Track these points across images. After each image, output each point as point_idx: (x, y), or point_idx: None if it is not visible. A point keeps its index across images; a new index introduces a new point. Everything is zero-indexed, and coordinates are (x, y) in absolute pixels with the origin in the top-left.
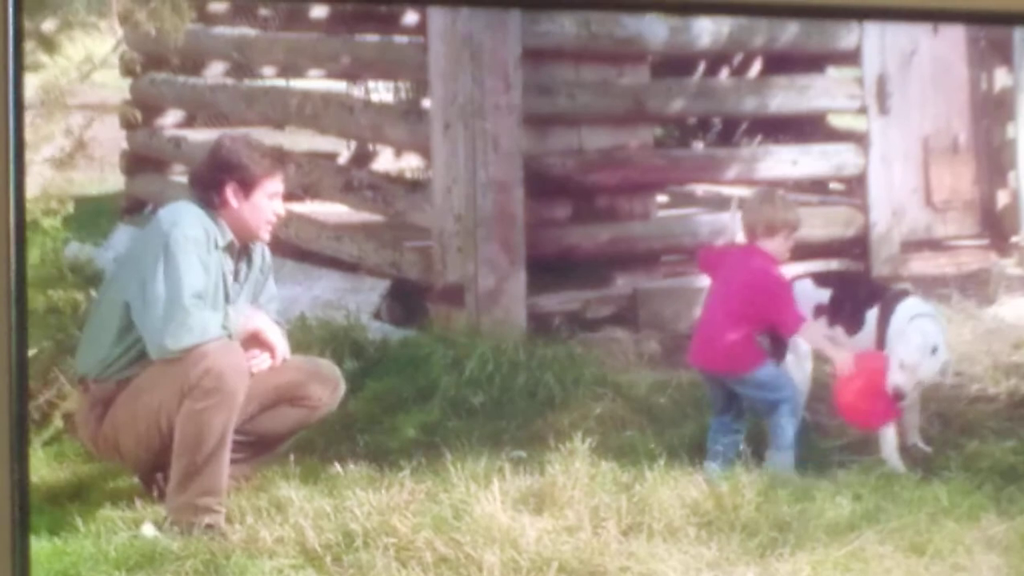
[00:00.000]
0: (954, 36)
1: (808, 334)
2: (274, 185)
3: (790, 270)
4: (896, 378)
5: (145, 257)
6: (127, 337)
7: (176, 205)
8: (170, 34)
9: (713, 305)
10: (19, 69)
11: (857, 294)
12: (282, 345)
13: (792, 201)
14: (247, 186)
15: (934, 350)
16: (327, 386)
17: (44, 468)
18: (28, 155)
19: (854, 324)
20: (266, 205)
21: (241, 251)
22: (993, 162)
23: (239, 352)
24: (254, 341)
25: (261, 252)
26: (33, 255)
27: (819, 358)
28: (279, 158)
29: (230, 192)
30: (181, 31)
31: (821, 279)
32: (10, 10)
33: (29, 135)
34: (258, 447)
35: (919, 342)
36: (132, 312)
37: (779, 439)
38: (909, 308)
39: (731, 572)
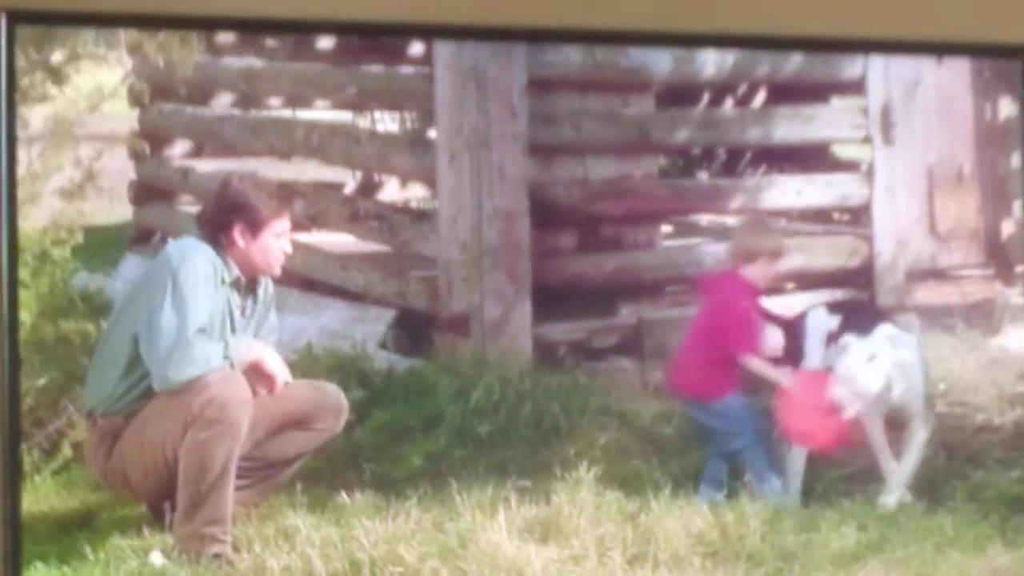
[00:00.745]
0: (958, 66)
1: (751, 363)
2: (282, 225)
3: (794, 300)
4: (836, 391)
5: (153, 290)
6: (135, 371)
7: (184, 241)
8: (179, 65)
9: (691, 330)
10: (11, 101)
11: (864, 321)
12: (282, 372)
13: (777, 229)
14: (255, 227)
15: (871, 359)
16: (332, 409)
17: (53, 497)
18: (38, 186)
19: None
20: (274, 244)
21: (248, 286)
22: (998, 192)
23: (242, 383)
24: (254, 371)
25: (265, 286)
26: (43, 285)
27: None
28: (287, 197)
29: (237, 233)
30: (190, 63)
31: (834, 307)
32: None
33: (38, 166)
34: (263, 472)
35: (856, 352)
36: (139, 344)
37: (755, 471)
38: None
39: None
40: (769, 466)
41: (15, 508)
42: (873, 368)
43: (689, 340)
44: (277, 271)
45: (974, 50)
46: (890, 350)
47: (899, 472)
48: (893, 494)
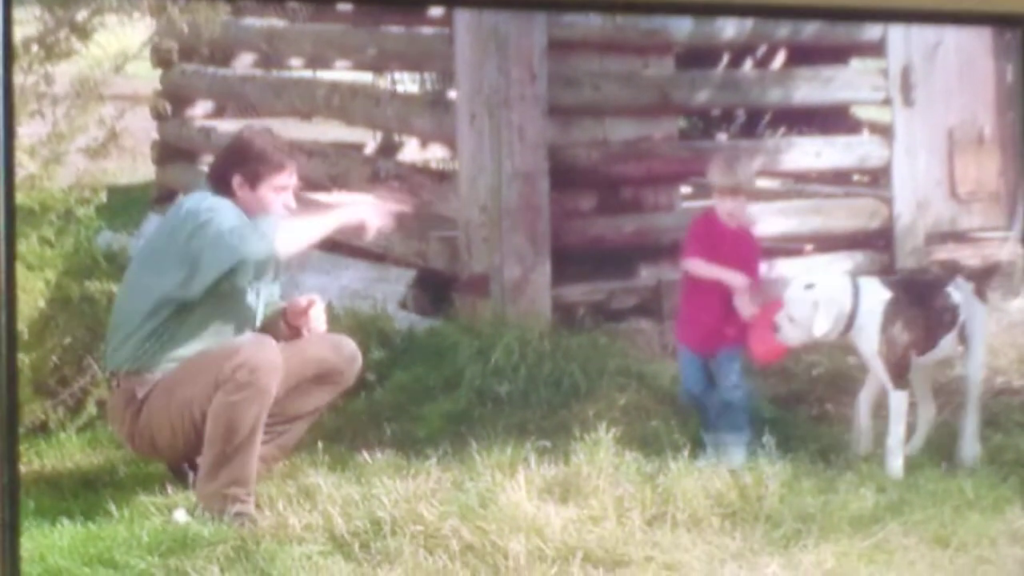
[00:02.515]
0: (979, 28)
1: (696, 266)
2: (282, 179)
3: (815, 262)
4: (778, 315)
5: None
6: (158, 328)
7: (196, 194)
8: (204, 27)
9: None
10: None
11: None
12: (323, 324)
13: (748, 166)
14: (253, 177)
15: (808, 287)
16: (347, 362)
17: (78, 454)
18: (63, 145)
19: None
20: (273, 199)
21: None
22: (1018, 154)
23: (273, 347)
24: (300, 316)
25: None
26: (67, 244)
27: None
28: (289, 153)
29: (235, 183)
30: (216, 24)
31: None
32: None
33: (63, 125)
34: (282, 427)
35: (799, 282)
36: (173, 293)
37: (730, 423)
38: None
39: (755, 563)
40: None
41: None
42: (807, 296)
43: (695, 291)
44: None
45: (975, 19)
46: (832, 289)
47: (891, 439)
48: (892, 462)
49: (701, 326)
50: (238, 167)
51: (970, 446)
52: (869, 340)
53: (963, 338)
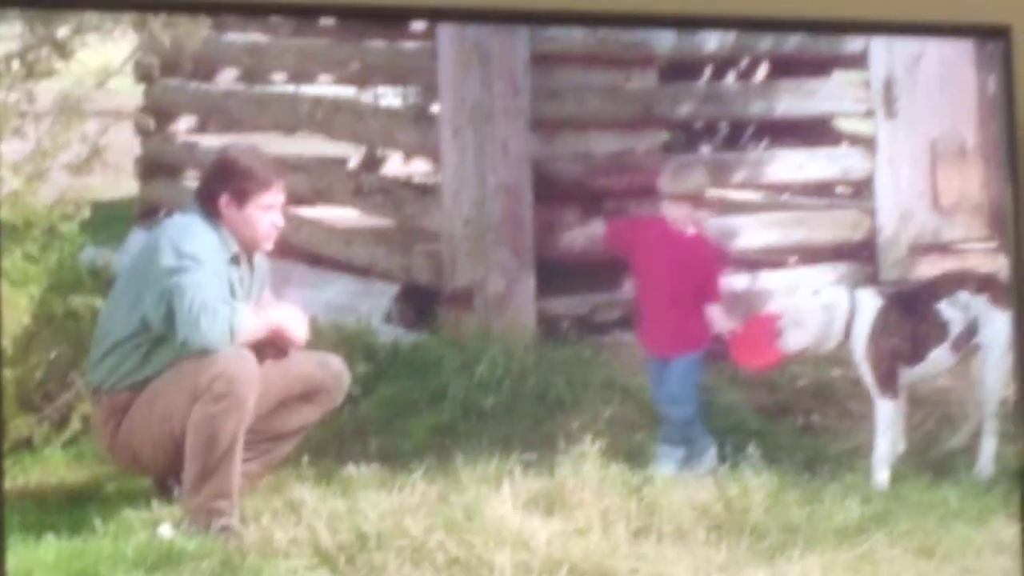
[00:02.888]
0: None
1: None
2: (270, 197)
3: (796, 275)
4: (782, 321)
5: (155, 266)
6: (141, 346)
7: (183, 219)
8: (185, 41)
9: (654, 285)
10: None
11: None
12: (303, 336)
13: (697, 171)
14: (240, 196)
15: (815, 292)
16: (334, 380)
17: (63, 469)
18: (46, 162)
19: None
20: (261, 217)
21: (246, 261)
22: (1001, 165)
23: (250, 358)
24: (274, 335)
25: (259, 260)
26: (51, 260)
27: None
28: (276, 171)
29: (223, 203)
30: (197, 39)
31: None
32: None
33: (47, 143)
34: (268, 445)
35: (805, 289)
36: (155, 314)
37: (667, 434)
38: None
39: (740, 575)
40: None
41: None
42: (813, 303)
43: (654, 296)
44: (268, 246)
45: (958, 31)
46: (836, 296)
47: (876, 451)
48: (878, 474)
49: (660, 324)
50: (224, 186)
51: (988, 460)
52: (858, 346)
53: (959, 350)
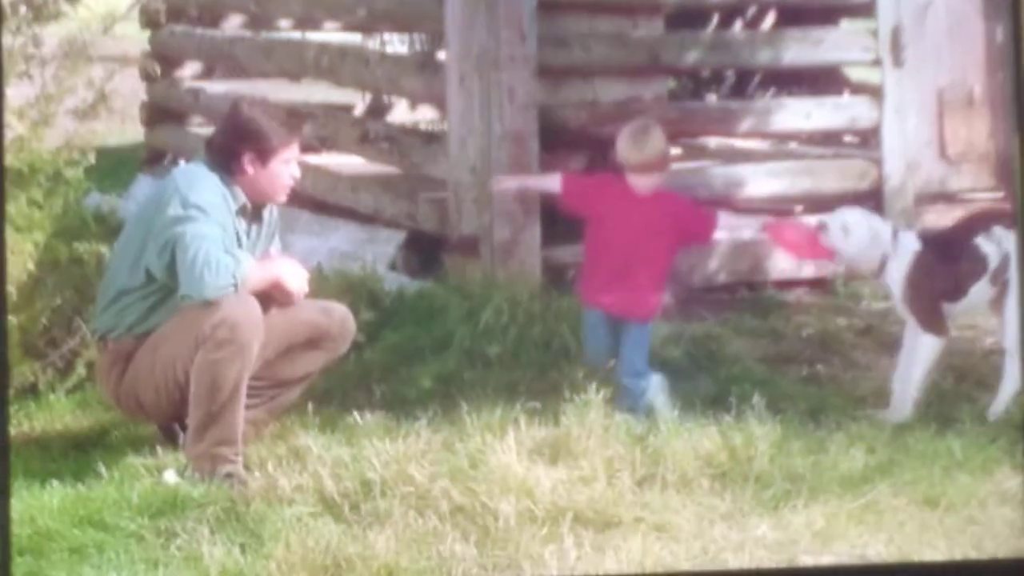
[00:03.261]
0: None
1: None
2: (291, 152)
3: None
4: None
5: (162, 215)
6: (148, 293)
7: (192, 169)
8: None
9: (609, 243)
10: None
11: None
12: (301, 287)
13: (657, 137)
14: (264, 155)
15: (864, 216)
16: (339, 328)
17: (68, 416)
18: (51, 107)
19: None
20: (283, 171)
21: (253, 212)
22: (1009, 115)
23: (253, 304)
24: (274, 287)
25: (270, 210)
26: (56, 205)
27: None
28: (296, 124)
29: (247, 161)
30: None
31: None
32: None
33: (52, 87)
34: (273, 391)
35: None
36: (158, 263)
37: (630, 401)
38: None
39: (744, 524)
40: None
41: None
42: (863, 223)
43: (615, 255)
44: (283, 198)
45: None
46: (880, 224)
47: (910, 384)
48: (904, 407)
49: (616, 282)
50: (247, 145)
51: (1004, 400)
52: (896, 288)
53: (997, 282)
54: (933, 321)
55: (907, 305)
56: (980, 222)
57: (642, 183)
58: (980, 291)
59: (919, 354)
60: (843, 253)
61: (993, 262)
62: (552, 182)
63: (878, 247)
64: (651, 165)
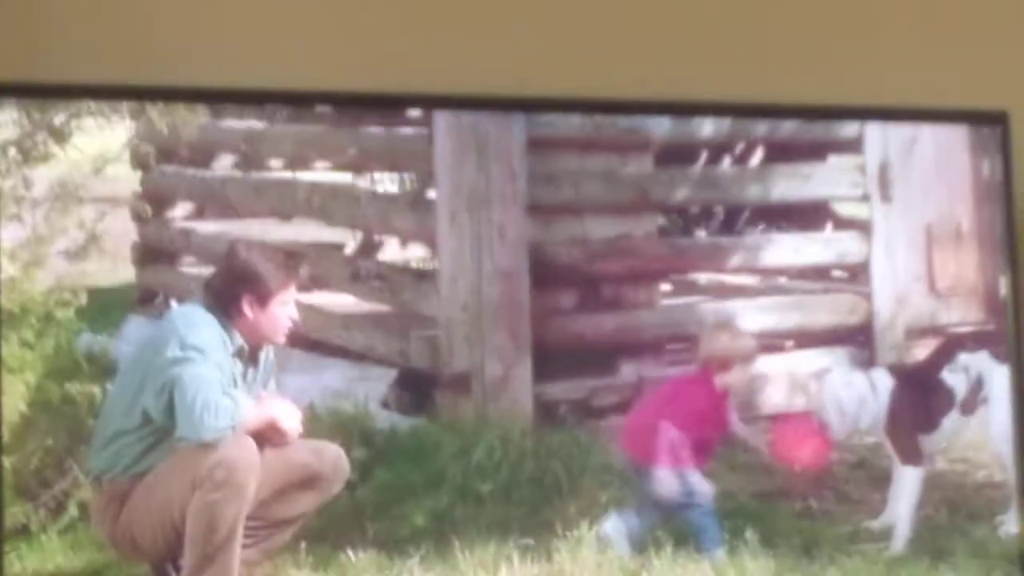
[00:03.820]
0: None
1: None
2: (290, 293)
3: (792, 359)
4: (822, 414)
5: (160, 356)
6: (144, 435)
7: (190, 311)
8: (182, 128)
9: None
10: None
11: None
12: (296, 427)
13: (746, 331)
14: (263, 298)
15: (848, 384)
16: (332, 469)
17: (60, 556)
18: (43, 248)
19: None
20: (281, 312)
21: (250, 354)
22: (996, 248)
23: (250, 445)
24: (269, 428)
25: (267, 353)
26: (47, 346)
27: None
28: (293, 265)
29: (246, 304)
30: (194, 126)
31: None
32: None
33: (43, 228)
34: (267, 531)
35: (837, 379)
36: (156, 405)
37: (703, 539)
38: None
39: None
40: (718, 533)
41: None
42: (851, 390)
43: (647, 408)
44: (283, 339)
45: (955, 116)
46: (861, 380)
47: (899, 518)
48: (898, 541)
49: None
50: (246, 289)
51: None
52: (878, 424)
53: (969, 411)
54: (913, 452)
55: (889, 438)
56: (943, 355)
57: (729, 380)
58: (952, 423)
59: (905, 489)
60: (843, 437)
61: (960, 393)
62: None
63: (865, 405)
64: (727, 360)
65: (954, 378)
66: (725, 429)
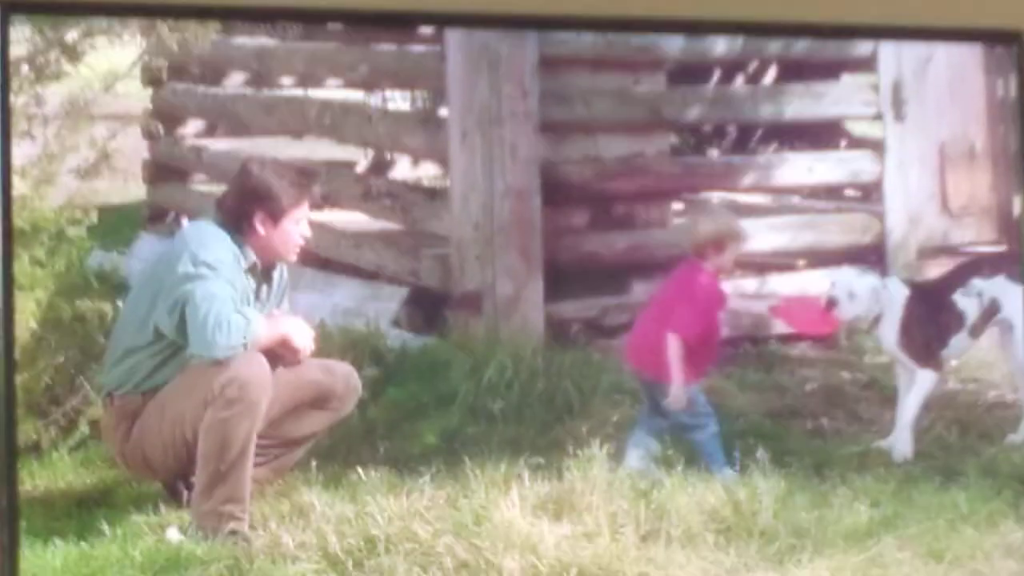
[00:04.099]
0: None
1: (672, 345)
2: (302, 211)
3: (805, 278)
4: (832, 291)
5: (172, 272)
6: (156, 351)
7: (201, 224)
8: (194, 45)
9: (651, 309)
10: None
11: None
12: (308, 345)
13: (730, 213)
14: (276, 215)
15: (861, 274)
16: (344, 388)
17: (71, 474)
18: (54, 166)
19: None
20: (294, 230)
21: (263, 272)
22: (1010, 168)
23: (262, 362)
24: (281, 345)
25: (280, 271)
26: (59, 264)
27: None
28: (306, 183)
29: (259, 221)
30: (206, 42)
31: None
32: None
33: (54, 146)
34: (279, 450)
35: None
36: (168, 321)
37: (711, 462)
38: None
39: None
40: (725, 456)
41: (12, 498)
42: (864, 280)
43: (648, 320)
44: (294, 257)
45: (968, 35)
46: (878, 283)
47: (903, 421)
48: (903, 445)
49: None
50: (258, 206)
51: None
52: (889, 332)
53: (978, 335)
54: (928, 357)
55: (902, 348)
56: (957, 277)
57: (717, 262)
58: (959, 344)
59: (918, 390)
60: (849, 318)
61: (971, 316)
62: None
63: (877, 304)
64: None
65: (966, 302)
66: (723, 306)
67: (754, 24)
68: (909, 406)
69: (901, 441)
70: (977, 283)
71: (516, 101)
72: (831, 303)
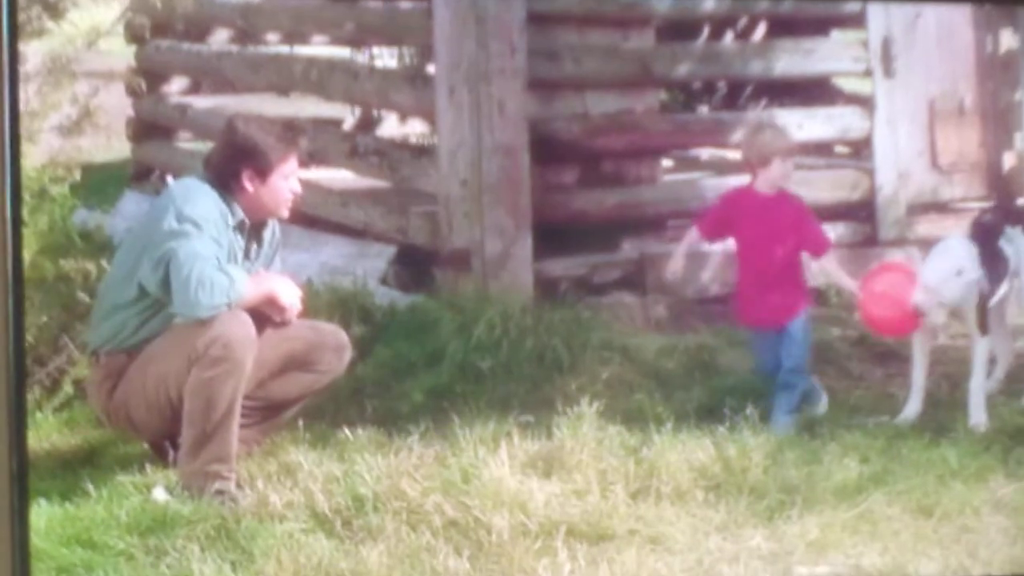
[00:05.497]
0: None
1: (829, 263)
2: (290, 166)
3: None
4: (918, 297)
5: (158, 229)
6: (142, 309)
7: (188, 181)
8: (177, 2)
9: (753, 257)
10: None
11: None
12: (295, 303)
13: (782, 127)
14: (264, 171)
15: (959, 272)
16: (335, 351)
17: (55, 434)
18: (36, 123)
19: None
20: (283, 186)
21: (253, 229)
22: (999, 124)
23: (246, 321)
24: (268, 304)
25: (272, 229)
26: (42, 222)
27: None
28: (293, 138)
29: (246, 178)
30: None
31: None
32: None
33: (36, 103)
34: (267, 412)
35: (942, 264)
36: (152, 279)
37: (787, 402)
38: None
39: (739, 535)
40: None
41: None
42: (959, 281)
43: (751, 270)
44: (285, 213)
45: None
46: (970, 259)
47: (975, 391)
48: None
49: (760, 296)
50: (246, 163)
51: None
52: (969, 294)
53: (1012, 281)
54: (986, 322)
55: (976, 308)
56: (996, 225)
57: (764, 183)
58: (1003, 292)
59: (980, 361)
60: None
61: (1012, 262)
62: (691, 235)
63: (967, 289)
64: (767, 157)
65: (1008, 247)
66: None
67: None
68: (977, 384)
69: (978, 414)
70: (1010, 231)
71: (504, 58)
72: (918, 312)
